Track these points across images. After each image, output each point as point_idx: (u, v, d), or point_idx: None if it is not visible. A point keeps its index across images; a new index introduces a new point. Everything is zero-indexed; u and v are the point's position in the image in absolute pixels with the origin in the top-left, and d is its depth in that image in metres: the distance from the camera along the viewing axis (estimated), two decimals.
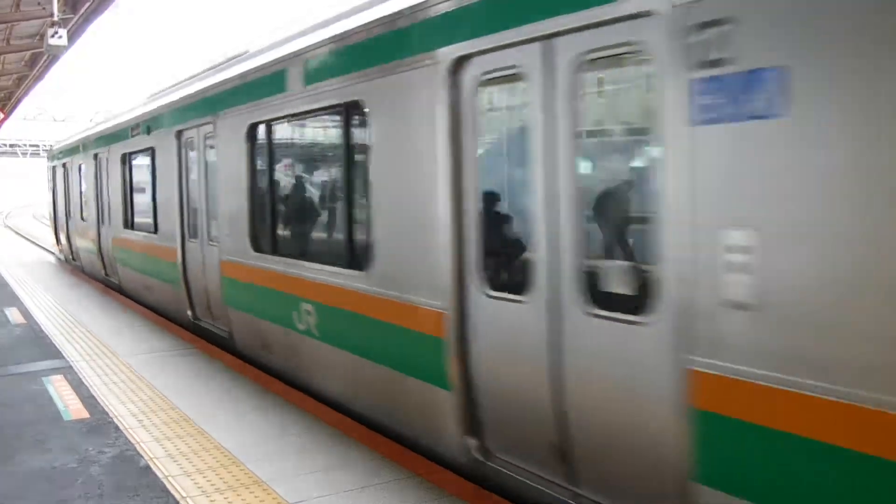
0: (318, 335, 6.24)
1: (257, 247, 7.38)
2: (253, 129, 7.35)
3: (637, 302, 3.56)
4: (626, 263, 3.97)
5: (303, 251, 7.12)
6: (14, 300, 12.66)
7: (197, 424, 5.93)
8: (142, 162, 11.67)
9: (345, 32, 5.67)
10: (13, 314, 11.23)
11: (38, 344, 9.08)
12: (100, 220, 14.28)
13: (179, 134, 9.52)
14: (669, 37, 3.21)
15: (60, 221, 19.41)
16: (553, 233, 3.95)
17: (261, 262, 7.25)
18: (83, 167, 15.65)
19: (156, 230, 10.68)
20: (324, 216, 7.27)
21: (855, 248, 2.63)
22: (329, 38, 5.92)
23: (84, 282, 15.18)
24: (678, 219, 3.23)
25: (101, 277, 14.59)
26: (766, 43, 2.87)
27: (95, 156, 14.31)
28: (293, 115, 6.72)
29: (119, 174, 12.66)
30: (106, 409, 6.37)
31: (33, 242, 26.08)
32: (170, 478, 4.88)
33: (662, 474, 3.46)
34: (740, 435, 3.04)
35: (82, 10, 15.55)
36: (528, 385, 4.16)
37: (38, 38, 18.48)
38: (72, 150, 17.13)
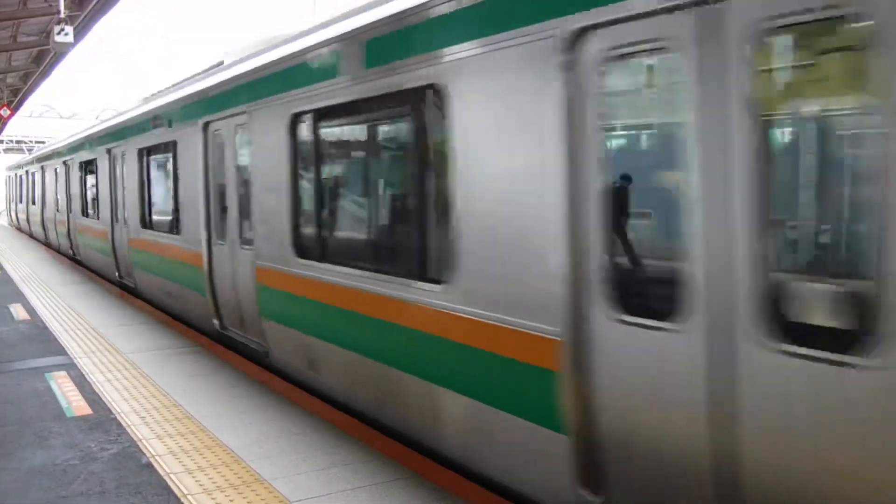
0: (382, 357, 5.38)
1: (303, 253, 6.46)
2: (297, 119, 6.47)
3: (850, 336, 2.74)
4: (838, 282, 3.10)
5: (361, 258, 5.85)
6: (19, 297, 12.70)
7: (199, 422, 5.93)
8: (163, 157, 10.61)
9: (421, 4, 4.83)
10: (18, 310, 11.26)
11: (41, 340, 9.09)
12: (113, 220, 13.45)
13: (206, 126, 8.63)
14: None
15: (58, 219, 19.27)
16: (720, 240, 3.11)
17: (307, 270, 6.34)
18: (96, 163, 14.77)
19: (178, 231, 9.75)
20: (389, 218, 5.93)
21: None
22: (401, 12, 5.03)
23: (88, 279, 15.21)
24: None
25: (115, 280, 13.70)
26: None
27: (109, 151, 13.50)
28: (352, 103, 5.71)
29: (136, 170, 11.67)
30: (109, 405, 6.38)
31: (36, 239, 26.10)
32: (171, 475, 4.88)
33: None
34: None
35: (89, 8, 15.59)
36: (679, 435, 3.37)
37: (44, 35, 18.53)
38: (75, 149, 16.80)
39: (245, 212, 7.67)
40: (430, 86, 4.71)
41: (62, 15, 14.52)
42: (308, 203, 6.49)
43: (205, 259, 8.72)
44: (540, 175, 3.88)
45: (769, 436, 2.96)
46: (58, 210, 19.86)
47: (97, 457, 5.21)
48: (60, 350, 8.53)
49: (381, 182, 6.04)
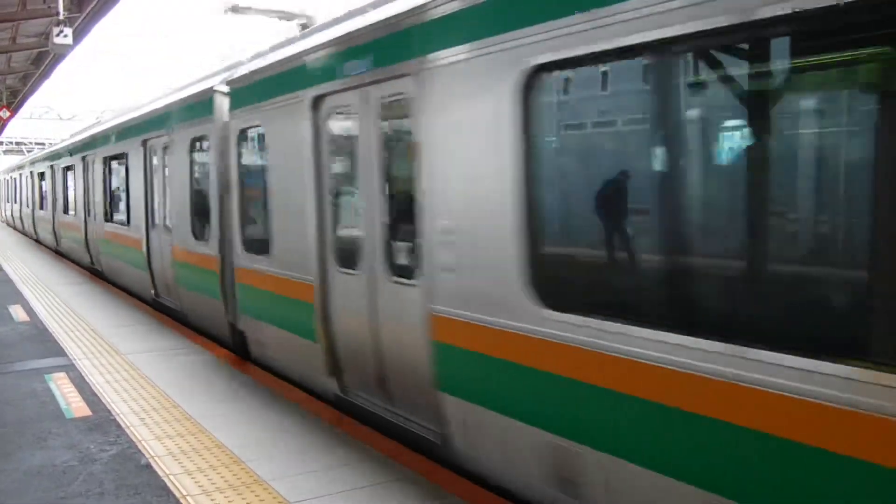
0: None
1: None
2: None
3: None
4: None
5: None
6: (18, 297, 12.70)
7: (198, 423, 5.93)
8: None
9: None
10: (17, 312, 11.26)
11: (41, 341, 9.10)
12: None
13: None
14: None
15: (69, 222, 18.61)
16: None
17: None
18: (110, 165, 13.85)
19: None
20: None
21: None
22: None
23: (88, 280, 15.21)
24: None
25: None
26: None
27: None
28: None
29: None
30: (108, 406, 6.38)
31: (36, 240, 26.10)
32: (171, 476, 4.88)
33: None
34: None
35: (88, 10, 15.57)
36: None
37: (43, 36, 18.52)
38: (89, 145, 15.74)
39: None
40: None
41: (61, 17, 14.49)
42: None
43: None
44: None
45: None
46: (66, 212, 18.77)
47: (96, 458, 5.21)
48: (60, 351, 8.53)
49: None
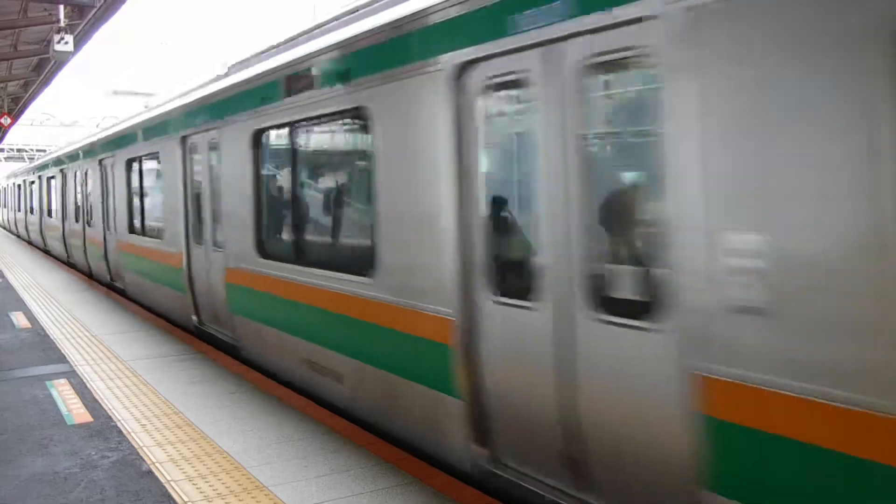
0: None
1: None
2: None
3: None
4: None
5: None
6: (20, 304, 12.71)
7: (199, 429, 5.93)
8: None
9: None
10: (19, 318, 11.27)
11: (42, 348, 9.10)
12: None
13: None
14: None
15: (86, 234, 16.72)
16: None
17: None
18: (138, 164, 12.10)
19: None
20: None
21: None
22: None
23: (88, 287, 15.22)
24: None
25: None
26: None
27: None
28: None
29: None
30: (109, 413, 6.38)
31: (39, 248, 26.11)
32: (172, 482, 4.87)
33: None
34: None
35: (89, 17, 15.60)
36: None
37: (44, 43, 18.56)
38: (106, 146, 14.25)
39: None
40: None
41: (62, 24, 14.54)
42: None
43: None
44: None
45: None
46: (78, 222, 17.45)
47: (97, 464, 5.21)
48: (61, 358, 8.53)
49: None
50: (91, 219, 15.96)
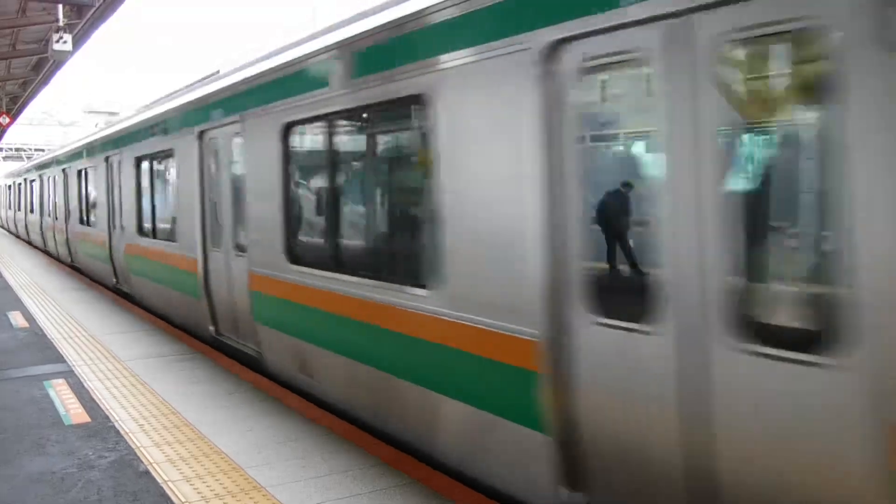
0: None
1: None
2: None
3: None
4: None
5: None
6: (17, 304, 12.68)
7: (197, 429, 5.91)
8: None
9: None
10: (16, 318, 11.25)
11: (40, 348, 9.07)
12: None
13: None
14: None
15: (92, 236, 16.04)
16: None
17: None
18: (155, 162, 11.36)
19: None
20: None
21: None
22: None
23: (86, 287, 15.20)
24: None
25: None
26: None
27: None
28: None
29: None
30: (107, 413, 6.36)
31: (38, 248, 26.09)
32: (169, 483, 4.86)
33: None
34: None
35: (87, 16, 15.59)
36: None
37: (43, 43, 18.55)
38: (112, 143, 13.58)
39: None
40: None
41: (61, 23, 14.53)
42: None
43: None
44: None
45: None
46: (82, 223, 17.01)
47: (95, 464, 5.19)
48: (59, 357, 8.51)
49: None
50: (96, 219, 15.50)
